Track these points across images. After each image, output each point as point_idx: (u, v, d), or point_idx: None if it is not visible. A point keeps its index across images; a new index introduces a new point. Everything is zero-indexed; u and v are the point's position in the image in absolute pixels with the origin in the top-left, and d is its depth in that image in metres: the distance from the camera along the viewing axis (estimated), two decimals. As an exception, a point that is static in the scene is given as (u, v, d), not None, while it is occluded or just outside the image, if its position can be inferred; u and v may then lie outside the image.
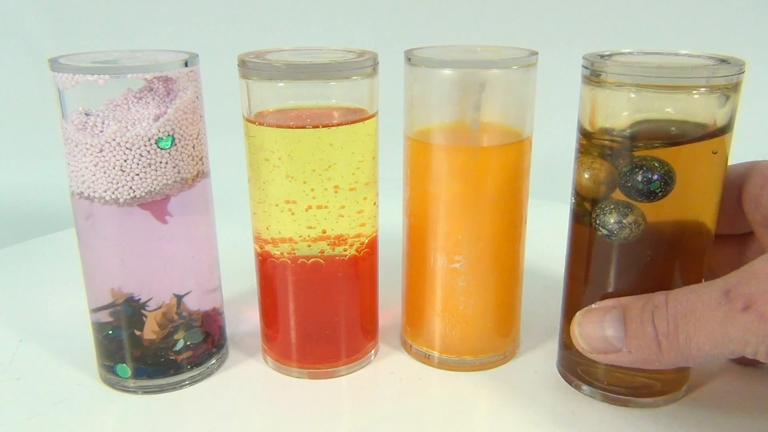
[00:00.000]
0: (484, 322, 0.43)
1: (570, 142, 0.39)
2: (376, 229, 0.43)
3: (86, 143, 0.36)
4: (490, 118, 0.40)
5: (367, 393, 0.42)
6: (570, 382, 0.42)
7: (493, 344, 0.44)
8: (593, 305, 0.35)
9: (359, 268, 0.42)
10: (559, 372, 0.43)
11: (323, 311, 0.42)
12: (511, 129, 0.40)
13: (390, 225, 0.48)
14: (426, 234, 0.42)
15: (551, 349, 0.45)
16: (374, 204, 0.42)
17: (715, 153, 0.34)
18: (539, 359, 0.45)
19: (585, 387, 0.41)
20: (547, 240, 0.60)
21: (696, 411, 0.39)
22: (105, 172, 0.36)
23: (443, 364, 0.44)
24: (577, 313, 0.36)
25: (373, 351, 0.45)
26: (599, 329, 0.34)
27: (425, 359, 0.44)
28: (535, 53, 0.39)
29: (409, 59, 0.39)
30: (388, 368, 0.44)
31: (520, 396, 0.41)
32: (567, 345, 0.41)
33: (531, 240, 0.44)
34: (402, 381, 0.43)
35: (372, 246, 0.42)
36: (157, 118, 0.36)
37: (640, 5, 0.91)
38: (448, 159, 0.39)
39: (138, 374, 0.41)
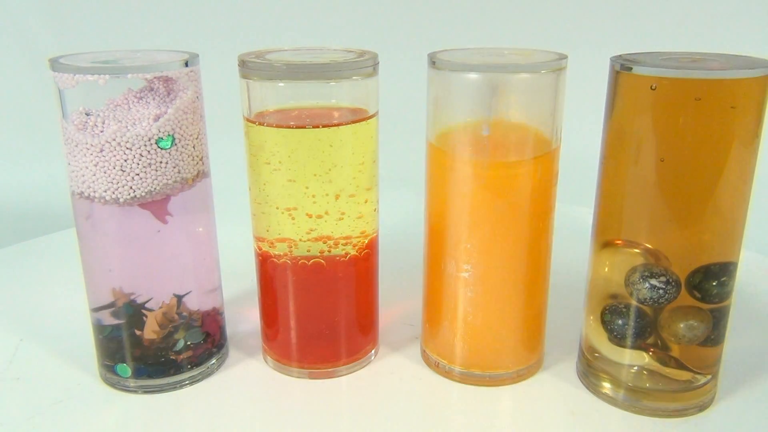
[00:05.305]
0: (494, 337, 0.41)
1: (590, 145, 0.38)
2: (377, 230, 0.43)
3: (86, 143, 0.36)
4: (516, 125, 0.37)
5: (367, 393, 0.42)
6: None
7: (505, 362, 0.42)
8: None
9: (359, 268, 0.42)
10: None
11: (323, 311, 0.42)
12: (535, 137, 0.38)
13: (390, 225, 0.48)
14: (438, 239, 0.41)
15: (564, 368, 0.44)
16: (374, 210, 0.42)
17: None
18: (554, 378, 0.43)
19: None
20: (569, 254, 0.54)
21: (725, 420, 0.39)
22: (105, 172, 0.36)
23: (450, 374, 0.42)
24: None
25: (373, 351, 0.45)
26: None
27: (435, 366, 0.43)
28: (564, 56, 0.37)
29: (433, 62, 0.38)
30: (388, 368, 0.44)
31: (519, 396, 0.41)
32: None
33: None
34: (402, 381, 0.43)
35: (372, 246, 0.42)
36: (157, 118, 0.36)
37: (650, 6, 0.91)
38: (461, 166, 0.38)
39: (138, 374, 0.41)
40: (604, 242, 0.39)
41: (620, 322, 0.38)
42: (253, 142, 0.39)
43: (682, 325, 0.37)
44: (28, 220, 0.85)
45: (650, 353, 0.38)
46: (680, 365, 0.38)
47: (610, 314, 0.39)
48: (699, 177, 0.35)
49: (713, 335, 0.38)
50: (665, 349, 0.38)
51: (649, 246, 0.37)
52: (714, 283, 0.37)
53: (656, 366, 0.39)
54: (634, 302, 0.38)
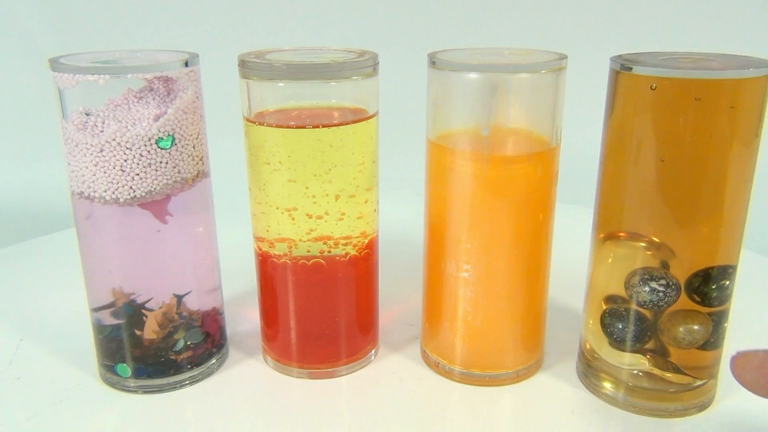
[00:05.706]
0: (494, 337, 0.41)
1: (588, 145, 0.38)
2: (377, 230, 0.43)
3: (86, 143, 0.36)
4: (516, 125, 0.38)
5: (367, 393, 0.42)
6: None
7: (505, 362, 0.42)
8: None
9: (359, 268, 0.42)
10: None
11: (323, 311, 0.42)
12: (535, 137, 0.38)
13: (390, 225, 0.48)
14: (438, 239, 0.41)
15: (564, 368, 0.44)
16: (374, 210, 0.42)
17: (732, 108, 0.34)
18: (553, 378, 0.43)
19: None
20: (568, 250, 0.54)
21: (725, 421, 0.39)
22: (105, 172, 0.36)
23: (450, 374, 0.42)
24: None
25: (373, 351, 0.45)
26: None
27: (435, 366, 0.43)
28: (564, 56, 0.37)
29: (433, 62, 0.38)
30: (388, 368, 0.44)
31: (519, 396, 0.41)
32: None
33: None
34: (402, 381, 0.43)
35: (372, 246, 0.42)
36: (157, 118, 0.36)
37: (651, 7, 0.91)
38: (461, 166, 0.38)
39: (138, 374, 0.41)
40: (604, 243, 0.39)
41: (620, 325, 0.38)
42: (253, 142, 0.39)
43: (681, 329, 0.37)
44: (28, 220, 0.85)
45: (648, 357, 0.38)
46: (679, 371, 0.38)
47: (610, 318, 0.39)
48: (699, 177, 0.35)
49: (712, 339, 0.38)
50: (664, 355, 0.38)
51: (655, 239, 0.37)
52: (713, 287, 0.37)
53: (655, 371, 0.39)
54: (633, 306, 0.38)
